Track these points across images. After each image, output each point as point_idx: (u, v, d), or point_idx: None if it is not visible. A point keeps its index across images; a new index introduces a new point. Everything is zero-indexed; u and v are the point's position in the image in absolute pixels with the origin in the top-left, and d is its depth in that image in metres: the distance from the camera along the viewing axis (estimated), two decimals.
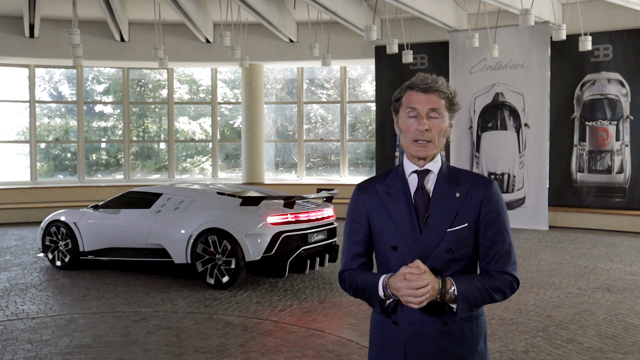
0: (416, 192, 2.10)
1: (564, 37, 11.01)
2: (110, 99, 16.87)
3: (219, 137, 16.58)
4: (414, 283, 1.92)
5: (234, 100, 16.96)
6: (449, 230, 2.05)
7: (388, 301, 2.06)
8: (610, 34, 11.86)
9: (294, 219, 7.31)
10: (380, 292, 2.05)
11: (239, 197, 7.52)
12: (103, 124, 16.77)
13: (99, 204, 8.72)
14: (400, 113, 2.11)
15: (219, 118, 16.64)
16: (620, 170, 11.94)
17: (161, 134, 17.03)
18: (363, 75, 16.55)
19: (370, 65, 15.21)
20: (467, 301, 2.00)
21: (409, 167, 2.12)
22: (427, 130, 2.04)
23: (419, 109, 2.05)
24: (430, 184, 2.11)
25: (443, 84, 2.07)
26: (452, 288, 1.98)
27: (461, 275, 2.04)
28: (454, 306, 2.00)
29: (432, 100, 2.05)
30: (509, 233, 2.13)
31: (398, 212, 2.10)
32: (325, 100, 16.99)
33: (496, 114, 12.60)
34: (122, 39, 14.59)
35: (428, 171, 2.10)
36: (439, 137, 2.07)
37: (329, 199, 8.14)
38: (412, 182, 2.12)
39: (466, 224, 2.06)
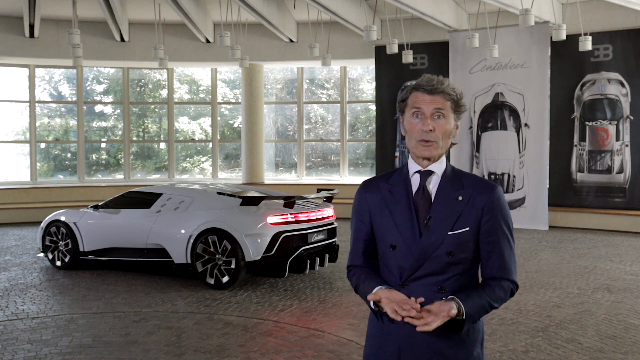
0: (417, 193, 2.10)
1: (564, 37, 11.02)
2: (110, 99, 16.87)
3: (219, 137, 16.57)
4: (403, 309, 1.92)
5: (234, 100, 16.96)
6: (450, 233, 2.03)
7: (383, 311, 2.06)
8: (610, 34, 11.86)
9: (294, 219, 7.31)
10: (372, 305, 2.10)
11: (239, 197, 7.52)
12: (103, 124, 16.77)
13: (99, 204, 8.71)
14: (405, 113, 2.12)
15: (219, 118, 16.64)
16: (620, 170, 11.93)
17: (161, 134, 17.03)
18: (361, 74, 16.55)
19: (370, 65, 15.21)
20: (472, 319, 2.01)
21: (413, 167, 2.13)
22: (431, 130, 2.04)
23: (423, 109, 2.05)
24: (432, 185, 2.10)
25: (449, 86, 2.07)
26: (461, 312, 1.96)
27: (467, 293, 2.02)
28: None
29: (437, 101, 2.05)
30: (511, 238, 2.12)
31: (399, 212, 2.10)
32: (325, 100, 17.00)
33: (496, 114, 12.60)
34: (122, 39, 14.59)
35: (431, 172, 2.10)
36: (443, 138, 2.07)
37: (329, 199, 8.13)
38: (415, 182, 2.12)
39: (467, 228, 2.05)
